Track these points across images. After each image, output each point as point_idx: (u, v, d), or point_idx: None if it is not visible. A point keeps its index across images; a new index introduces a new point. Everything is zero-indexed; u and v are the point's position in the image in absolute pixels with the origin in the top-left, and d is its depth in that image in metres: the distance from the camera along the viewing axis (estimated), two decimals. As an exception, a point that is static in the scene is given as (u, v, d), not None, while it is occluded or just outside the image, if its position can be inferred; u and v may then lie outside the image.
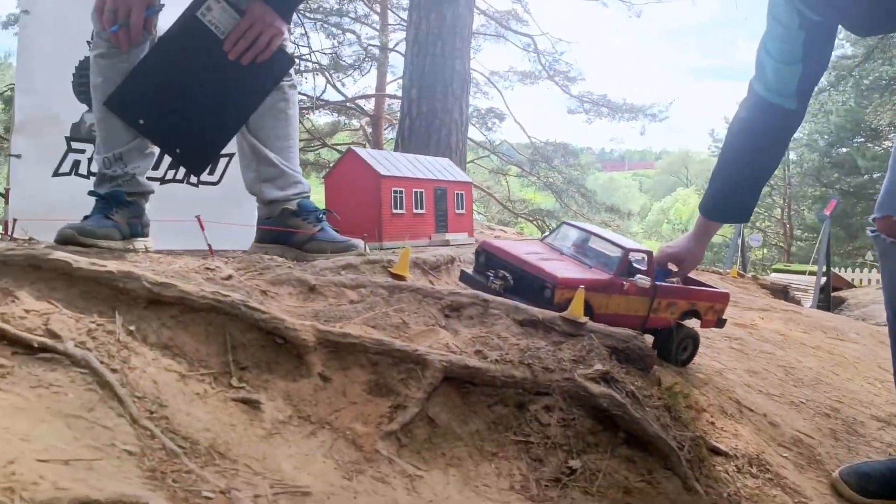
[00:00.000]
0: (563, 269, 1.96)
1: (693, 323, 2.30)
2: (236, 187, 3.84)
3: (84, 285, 1.40)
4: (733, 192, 2.10)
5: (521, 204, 19.86)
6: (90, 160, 3.67)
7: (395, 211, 4.87)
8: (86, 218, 2.17)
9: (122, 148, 2.23)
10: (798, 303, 6.16)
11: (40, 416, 1.08)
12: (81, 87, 3.58)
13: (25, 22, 3.34)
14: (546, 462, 1.45)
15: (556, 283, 1.88)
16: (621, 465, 1.52)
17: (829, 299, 8.52)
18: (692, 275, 2.39)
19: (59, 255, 1.41)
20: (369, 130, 20.31)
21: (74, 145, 3.59)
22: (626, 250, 2.04)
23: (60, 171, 3.54)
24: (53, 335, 1.25)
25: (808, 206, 31.53)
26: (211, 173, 3.92)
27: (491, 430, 1.48)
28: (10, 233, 2.19)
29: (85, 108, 3.63)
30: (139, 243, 2.22)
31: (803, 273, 9.63)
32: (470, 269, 2.13)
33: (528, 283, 1.93)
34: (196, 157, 2.28)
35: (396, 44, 19.90)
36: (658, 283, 2.09)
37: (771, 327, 3.25)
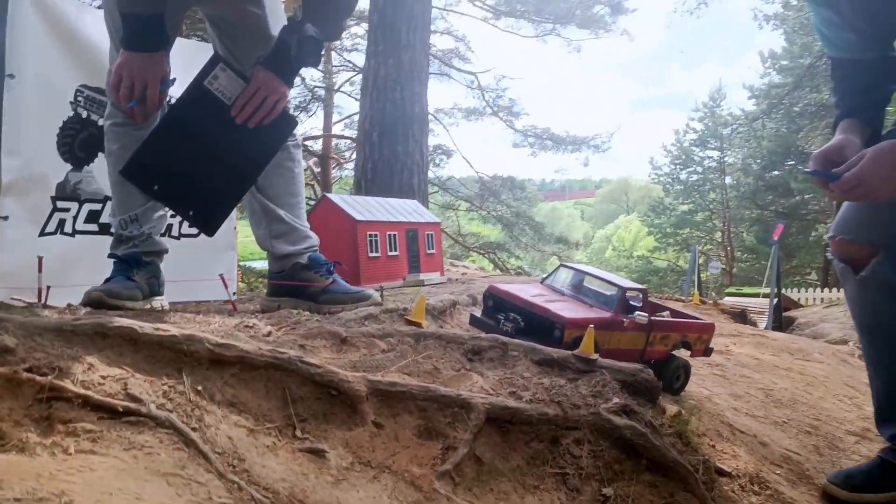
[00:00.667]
0: (568, 310, 2.11)
1: (683, 352, 2.46)
2: (214, 240, 3.91)
3: (149, 349, 1.49)
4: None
5: (471, 237, 20.13)
6: (75, 218, 3.72)
7: (371, 254, 4.99)
8: (108, 280, 2.24)
9: (137, 210, 2.32)
10: (755, 324, 6.44)
11: (143, 476, 1.17)
12: (65, 148, 3.64)
13: (11, 86, 3.39)
14: (582, 491, 1.58)
15: (566, 324, 2.03)
16: (646, 490, 1.66)
17: (780, 320, 8.90)
18: (679, 307, 2.57)
19: (124, 322, 1.50)
20: (317, 170, 20.41)
21: (59, 204, 3.64)
22: (624, 289, 2.20)
23: (46, 230, 3.58)
24: (134, 399, 1.34)
25: (747, 229, 32.58)
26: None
27: (530, 464, 1.61)
28: (44, 300, 2.24)
29: (69, 167, 3.68)
30: (156, 302, 2.30)
31: (756, 295, 10.01)
32: (478, 313, 2.27)
33: (538, 325, 2.07)
34: (208, 218, 2.37)
35: (340, 85, 20.10)
36: (653, 318, 2.25)
37: (744, 352, 3.45)
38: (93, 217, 3.80)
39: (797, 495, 2.07)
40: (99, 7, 3.86)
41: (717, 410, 2.45)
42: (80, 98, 3.68)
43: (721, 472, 1.98)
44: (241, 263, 5.17)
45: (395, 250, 5.17)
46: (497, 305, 2.20)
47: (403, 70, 7.35)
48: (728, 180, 35.31)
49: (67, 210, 3.68)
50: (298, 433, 1.46)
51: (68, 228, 3.68)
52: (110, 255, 2.33)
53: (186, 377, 1.46)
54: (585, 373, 1.89)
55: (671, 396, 2.38)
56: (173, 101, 2.45)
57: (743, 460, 2.14)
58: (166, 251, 2.44)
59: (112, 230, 2.39)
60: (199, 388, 1.46)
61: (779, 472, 2.18)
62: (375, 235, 4.97)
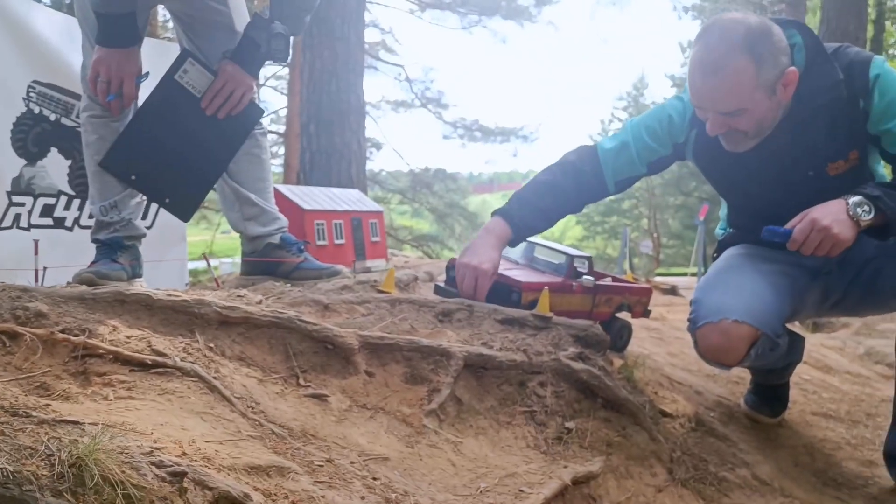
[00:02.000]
0: (524, 276, 2.35)
1: (625, 315, 2.73)
2: (166, 230, 4.00)
3: (163, 313, 1.65)
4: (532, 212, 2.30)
5: (404, 231, 20.31)
6: (30, 213, 3.77)
7: (319, 242, 5.13)
8: (93, 262, 2.37)
9: (115, 197, 2.44)
10: (683, 297, 6.85)
11: (181, 414, 1.35)
12: (19, 143, 3.69)
13: (-37, 82, 3.43)
14: (548, 425, 1.81)
15: (522, 287, 2.26)
16: (602, 424, 1.90)
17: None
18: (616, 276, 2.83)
19: (139, 290, 1.66)
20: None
21: (15, 199, 3.68)
22: (572, 257, 2.44)
23: (3, 225, 3.62)
24: (159, 353, 1.51)
25: (672, 215, 33.69)
26: (144, 217, 4.08)
27: (502, 404, 1.83)
28: (40, 281, 2.34)
29: (23, 162, 3.73)
30: (137, 283, 2.44)
31: (684, 275, 10.51)
32: (441, 283, 2.48)
33: (498, 290, 2.29)
34: (184, 205, 2.52)
35: (266, 79, 19.93)
36: (597, 283, 2.51)
37: (677, 318, 3.76)
38: (47, 211, 3.85)
39: (729, 432, 2.36)
40: (47, 4, 3.91)
41: (656, 366, 2.72)
42: (32, 94, 3.72)
43: (664, 414, 2.25)
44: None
45: (342, 238, 5.33)
46: (459, 275, 2.42)
47: (339, 61, 7.50)
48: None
49: (23, 205, 3.72)
50: (301, 382, 1.65)
51: (24, 223, 3.73)
52: (94, 240, 2.45)
53: (199, 336, 1.64)
54: (543, 329, 2.12)
55: (616, 353, 2.64)
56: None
57: (682, 405, 2.41)
58: (144, 235, 2.58)
59: (92, 216, 2.51)
60: (212, 345, 1.63)
61: (713, 414, 2.46)
62: (322, 224, 5.11)
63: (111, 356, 1.47)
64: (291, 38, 2.37)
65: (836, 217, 1.87)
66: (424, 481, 1.45)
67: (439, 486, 1.45)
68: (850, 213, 1.87)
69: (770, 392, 2.54)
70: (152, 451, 1.08)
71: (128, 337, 1.54)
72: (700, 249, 9.58)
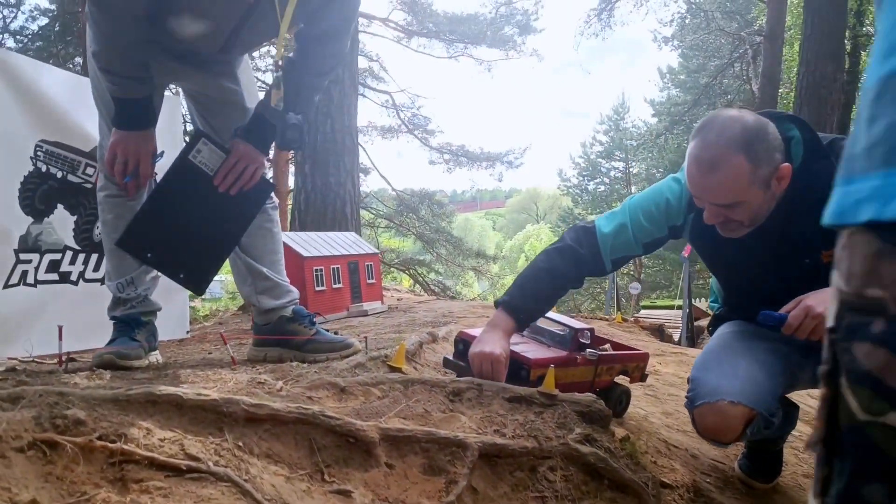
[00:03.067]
0: (532, 351, 2.44)
1: (623, 379, 2.82)
2: (167, 280, 4.04)
3: (192, 413, 1.73)
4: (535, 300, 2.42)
5: (391, 254, 20.38)
6: (36, 269, 3.83)
7: (317, 288, 5.22)
8: (112, 341, 2.44)
9: (132, 273, 2.52)
10: (671, 337, 6.97)
11: (219, 525, 1.42)
12: (27, 202, 3.77)
13: (-25, 144, 3.51)
14: (558, 511, 1.90)
15: (531, 365, 2.35)
16: (609, 506, 1.99)
17: (692, 330, 9.55)
18: (606, 328, 2.93)
19: (170, 389, 1.73)
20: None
21: (22, 256, 3.75)
22: (575, 330, 2.54)
23: (10, 282, 3.69)
24: (193, 458, 1.58)
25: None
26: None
27: (514, 490, 1.91)
28: (64, 367, 2.40)
29: (30, 220, 3.80)
30: (152, 356, 2.51)
31: (670, 307, 10.67)
32: (450, 356, 2.56)
33: (508, 366, 2.38)
34: (198, 279, 2.59)
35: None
36: (599, 353, 2.60)
37: (669, 371, 3.86)
38: (53, 266, 3.92)
39: (725, 499, 2.45)
40: (53, 65, 3.99)
41: (653, 429, 2.82)
42: (39, 153, 3.81)
43: (664, 485, 2.34)
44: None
45: (339, 283, 5.41)
46: (467, 348, 2.51)
47: (333, 104, 7.60)
48: (634, 190, 36.67)
49: (29, 262, 3.80)
50: (326, 477, 1.73)
51: (30, 279, 3.80)
52: (111, 317, 2.52)
53: (228, 434, 1.71)
54: (549, 406, 2.21)
55: (616, 419, 2.72)
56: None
57: (679, 472, 2.50)
58: (160, 309, 2.65)
59: (110, 292, 2.58)
60: (240, 443, 1.71)
61: (709, 480, 2.56)
62: (321, 270, 5.20)
63: (146, 461, 1.54)
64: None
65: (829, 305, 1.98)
66: (447, 581, 1.53)
67: (462, 586, 1.53)
68: None
69: (764, 457, 2.64)
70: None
71: (161, 440, 1.61)
72: (685, 286, 9.78)
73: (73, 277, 4.00)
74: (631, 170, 38.17)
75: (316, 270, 5.14)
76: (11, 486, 1.32)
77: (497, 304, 2.40)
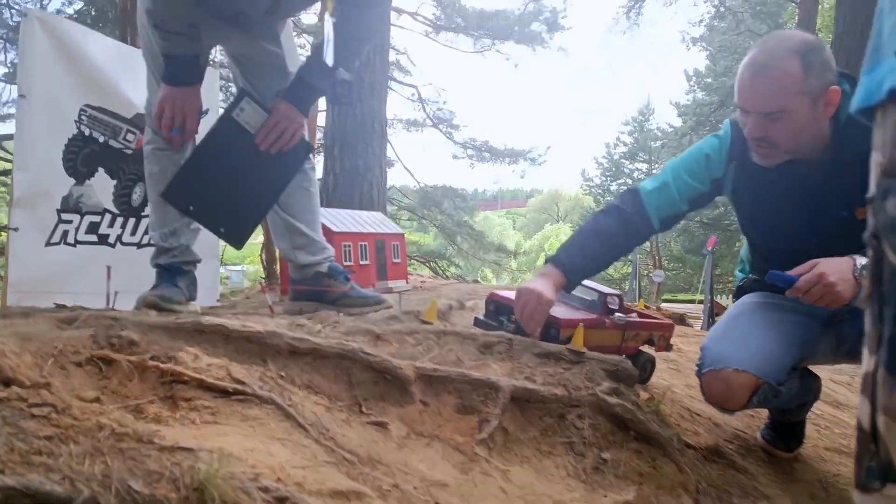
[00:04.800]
0: (561, 312, 2.49)
1: (648, 348, 2.86)
2: (200, 247, 4.14)
3: (238, 343, 1.80)
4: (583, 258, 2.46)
5: (411, 246, 20.45)
6: (77, 229, 3.94)
7: (345, 263, 5.28)
8: (156, 286, 2.53)
9: (175, 224, 2.60)
10: (691, 326, 6.99)
11: (265, 440, 1.49)
12: (70, 164, 3.87)
13: (21, 105, 3.61)
14: (586, 455, 1.95)
15: (561, 324, 2.40)
16: (634, 456, 2.04)
17: (713, 322, 9.56)
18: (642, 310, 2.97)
19: (216, 320, 1.81)
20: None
21: (63, 216, 3.86)
22: (605, 294, 2.59)
23: (52, 241, 3.79)
24: (239, 381, 1.65)
25: (674, 238, 33.80)
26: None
27: (544, 435, 1.97)
28: (111, 304, 2.49)
29: (72, 181, 3.91)
30: (194, 306, 2.59)
31: (691, 302, 10.66)
32: (481, 316, 2.62)
33: None
34: (237, 234, 2.67)
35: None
36: (627, 318, 2.65)
37: (692, 350, 3.89)
38: (93, 228, 4.03)
39: (748, 465, 2.49)
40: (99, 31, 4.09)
41: (676, 398, 2.86)
42: (83, 117, 3.91)
43: (688, 446, 2.39)
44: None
45: (366, 260, 5.48)
46: (498, 309, 2.56)
47: (364, 88, 7.68)
48: (657, 193, 36.38)
49: (70, 222, 3.90)
50: (364, 410, 1.80)
51: (71, 239, 3.90)
52: (154, 265, 2.61)
53: (271, 364, 1.78)
54: (577, 363, 2.26)
55: (640, 385, 2.77)
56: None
57: (703, 437, 2.55)
58: (200, 261, 2.73)
59: (152, 242, 2.67)
60: (282, 373, 1.78)
61: (731, 446, 2.60)
62: (349, 246, 5.27)
63: (195, 382, 1.62)
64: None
65: (842, 276, 1.99)
66: (480, 507, 1.59)
67: (493, 512, 1.59)
68: (856, 274, 1.98)
69: (786, 429, 2.67)
70: (256, 478, 1.22)
71: (208, 365, 1.68)
72: (707, 279, 9.77)
73: (111, 240, 4.11)
74: (654, 171, 37.97)
75: (344, 246, 5.21)
76: (76, 389, 1.40)
77: (547, 260, 2.44)
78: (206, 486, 1.11)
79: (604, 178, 41.18)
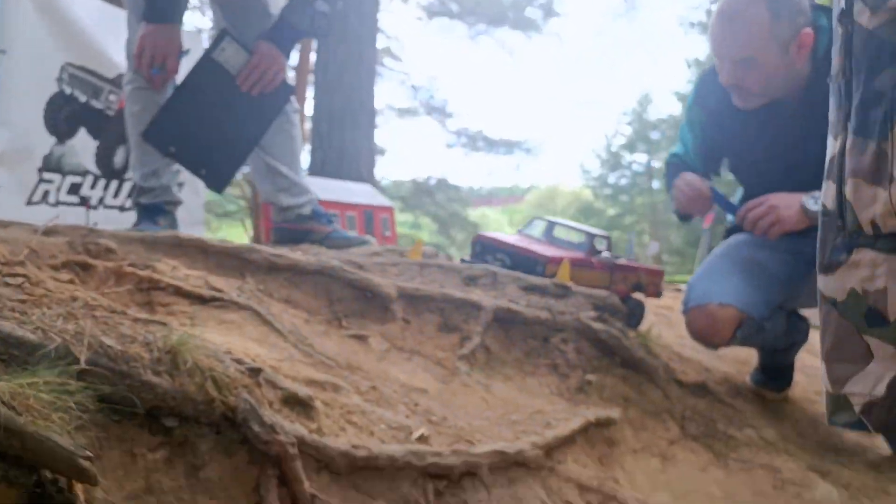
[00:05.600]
0: (548, 250, 2.47)
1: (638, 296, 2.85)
2: (183, 213, 4.11)
3: (216, 257, 1.78)
4: None
5: (403, 239, 20.39)
6: (58, 189, 3.89)
7: (332, 233, 5.23)
8: (136, 224, 2.49)
9: (156, 165, 2.57)
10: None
11: (242, 340, 1.47)
12: (51, 122, 3.82)
13: (2, 61, 3.55)
14: (570, 377, 1.93)
15: (548, 261, 2.38)
16: (620, 381, 2.02)
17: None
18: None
19: (195, 235, 1.78)
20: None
21: (45, 175, 3.81)
22: (592, 235, 2.57)
23: (33, 199, 3.74)
24: (217, 289, 1.62)
25: (674, 231, 33.81)
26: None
27: (527, 356, 1.95)
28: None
29: (54, 140, 3.86)
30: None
31: (683, 282, 10.64)
32: (467, 258, 2.60)
33: (522, 263, 2.41)
34: (218, 176, 2.63)
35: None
36: (613, 261, 2.63)
37: (682, 308, 3.88)
38: (74, 189, 3.97)
39: (735, 402, 2.47)
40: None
41: (667, 343, 2.84)
42: (64, 75, 3.85)
43: (675, 381, 2.37)
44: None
45: (354, 230, 5.44)
46: (484, 249, 2.54)
47: (352, 59, 7.65)
48: (655, 184, 36.51)
49: (52, 182, 3.85)
50: (344, 324, 1.77)
51: (52, 199, 3.85)
52: (136, 203, 2.57)
53: (250, 278, 1.76)
54: (563, 296, 2.24)
55: (630, 329, 2.75)
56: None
57: (692, 376, 2.52)
58: (181, 202, 2.69)
59: (133, 182, 2.63)
60: (261, 287, 1.75)
61: (720, 387, 2.58)
62: (336, 215, 5.22)
63: (173, 289, 1.59)
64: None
65: (787, 202, 2.09)
66: (460, 411, 1.57)
67: (474, 416, 1.57)
68: (803, 202, 2.07)
69: (775, 371, 2.66)
70: (230, 352, 1.20)
71: (187, 275, 1.66)
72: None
73: (94, 202, 4.05)
74: (653, 163, 37.95)
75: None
76: (50, 288, 1.36)
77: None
78: (180, 350, 1.08)
79: (602, 170, 41.10)
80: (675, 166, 2.53)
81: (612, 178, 39.30)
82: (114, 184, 4.17)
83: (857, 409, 0.78)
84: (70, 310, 1.11)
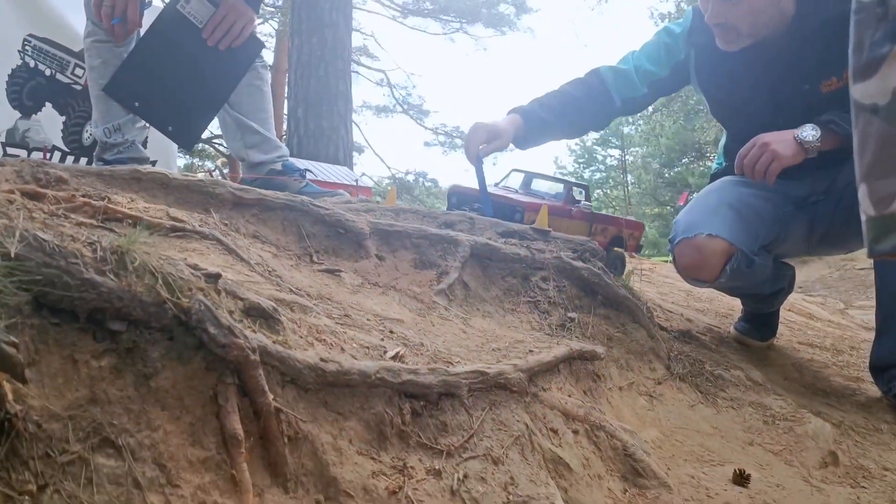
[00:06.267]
0: (526, 198, 2.41)
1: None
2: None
3: (179, 193, 1.69)
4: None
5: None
6: (24, 166, 3.77)
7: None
8: (99, 181, 2.39)
9: (119, 120, 2.48)
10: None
11: (205, 265, 1.39)
12: (14, 96, 3.71)
13: (-39, 33, 3.45)
14: (551, 314, 1.86)
15: (526, 207, 2.33)
16: (602, 320, 1.96)
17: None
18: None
19: (155, 169, 1.69)
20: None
21: (9, 151, 3.69)
22: (570, 184, 2.51)
23: (-4, 175, 3.63)
24: (178, 220, 1.54)
25: (649, 224, 33.99)
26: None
27: (507, 294, 1.88)
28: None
29: (17, 115, 3.74)
30: (141, 206, 2.46)
31: (664, 261, 10.68)
32: (444, 209, 2.53)
33: (500, 211, 2.36)
34: (186, 133, 2.55)
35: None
36: (593, 211, 2.57)
37: (665, 272, 3.84)
38: (41, 166, 3.85)
39: (721, 349, 2.43)
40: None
41: (648, 298, 2.78)
42: (27, 47, 3.74)
43: (661, 327, 2.31)
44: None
45: (332, 210, 5.34)
46: (460, 200, 2.48)
47: (327, 47, 7.55)
48: (630, 178, 36.68)
49: (17, 157, 3.73)
50: (315, 260, 1.69)
51: (18, 176, 3.73)
52: (98, 160, 2.48)
53: (214, 213, 1.67)
54: (542, 241, 2.18)
55: (610, 282, 2.70)
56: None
57: (675, 324, 2.48)
58: (148, 160, 2.60)
59: (96, 139, 2.53)
60: (226, 222, 1.67)
61: (704, 337, 2.53)
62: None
63: (130, 220, 1.50)
64: None
65: (781, 137, 2.02)
66: (438, 339, 1.50)
67: (452, 344, 1.50)
68: (796, 135, 2.00)
69: (760, 319, 2.61)
70: (186, 259, 1.12)
71: (145, 207, 1.57)
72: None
73: (62, 179, 3.94)
74: (627, 158, 38.18)
75: (308, 193, 5.07)
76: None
77: (509, 112, 2.39)
78: (128, 250, 1.00)
79: (577, 166, 41.28)
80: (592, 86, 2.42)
81: (587, 174, 39.48)
82: (83, 161, 4.05)
83: None
84: (5, 210, 1.02)
